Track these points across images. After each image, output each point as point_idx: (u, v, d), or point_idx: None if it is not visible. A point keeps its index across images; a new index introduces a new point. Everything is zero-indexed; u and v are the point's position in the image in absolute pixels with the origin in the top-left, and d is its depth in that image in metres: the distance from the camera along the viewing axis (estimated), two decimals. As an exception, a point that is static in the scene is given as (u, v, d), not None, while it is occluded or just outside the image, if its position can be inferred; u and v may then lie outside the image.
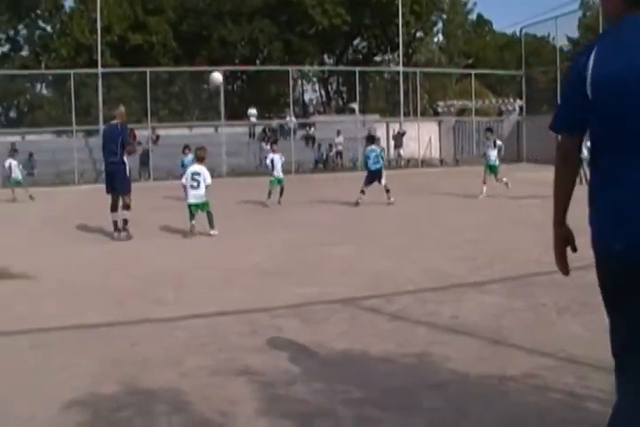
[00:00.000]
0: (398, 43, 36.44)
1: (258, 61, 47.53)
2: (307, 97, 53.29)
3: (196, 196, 11.12)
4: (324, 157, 33.44)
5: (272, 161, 16.32)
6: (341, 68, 46.72)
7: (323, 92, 54.15)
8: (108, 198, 11.26)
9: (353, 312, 5.90)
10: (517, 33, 42.20)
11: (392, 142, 34.02)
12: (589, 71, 2.36)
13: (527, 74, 35.14)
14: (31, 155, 30.19)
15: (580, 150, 2.57)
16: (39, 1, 44.84)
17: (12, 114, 43.43)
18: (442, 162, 34.58)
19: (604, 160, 2.39)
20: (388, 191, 15.29)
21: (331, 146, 33.23)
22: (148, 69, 31.18)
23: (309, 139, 34.28)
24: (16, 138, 31.76)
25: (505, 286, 6.75)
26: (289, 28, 45.89)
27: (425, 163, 33.17)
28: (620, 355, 2.43)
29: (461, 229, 10.91)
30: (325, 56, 52.45)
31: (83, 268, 8.62)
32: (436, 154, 35.71)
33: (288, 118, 34.17)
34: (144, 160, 27.82)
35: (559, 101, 2.57)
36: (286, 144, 27.73)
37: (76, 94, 29.87)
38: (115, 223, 11.13)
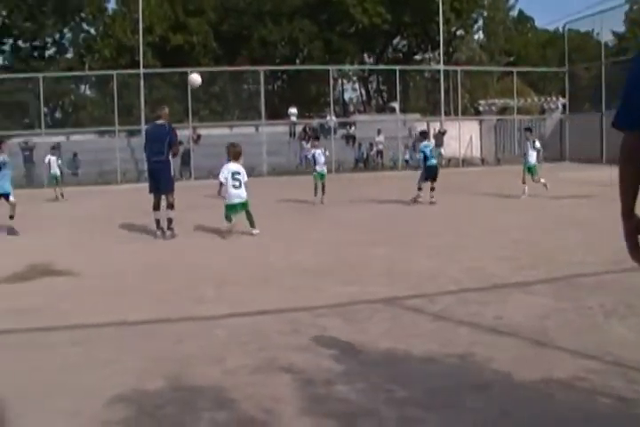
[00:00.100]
0: (439, 41, 36.19)
1: (298, 61, 47.64)
2: (347, 96, 53.35)
3: (239, 195, 11.06)
4: (365, 156, 33.39)
5: (314, 156, 16.36)
6: (381, 66, 46.54)
7: (363, 91, 54.10)
8: (151, 197, 11.38)
9: (395, 312, 5.87)
10: (560, 29, 41.71)
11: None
12: None
13: (570, 71, 34.63)
14: (75, 155, 30.69)
15: None
16: (83, 4, 45.61)
17: (58, 114, 44.22)
18: (483, 161, 34.29)
19: None
20: (432, 190, 15.16)
21: (371, 145, 33.17)
22: (189, 70, 31.33)
23: (350, 138, 34.26)
24: (61, 138, 32.29)
25: (549, 287, 6.64)
26: (329, 28, 45.89)
27: (466, 162, 32.90)
28: None
29: (504, 229, 10.78)
30: (365, 55, 52.32)
31: (125, 266, 8.72)
32: (476, 153, 35.41)
33: (328, 117, 34.19)
34: (185, 160, 28.07)
35: (622, 98, 2.52)
36: (326, 143, 27.73)
37: (118, 95, 30.28)
38: (157, 222, 11.23)
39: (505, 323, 5.32)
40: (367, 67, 50.03)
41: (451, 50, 46.90)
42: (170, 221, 11.10)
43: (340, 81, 49.11)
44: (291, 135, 34.05)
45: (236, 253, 9.50)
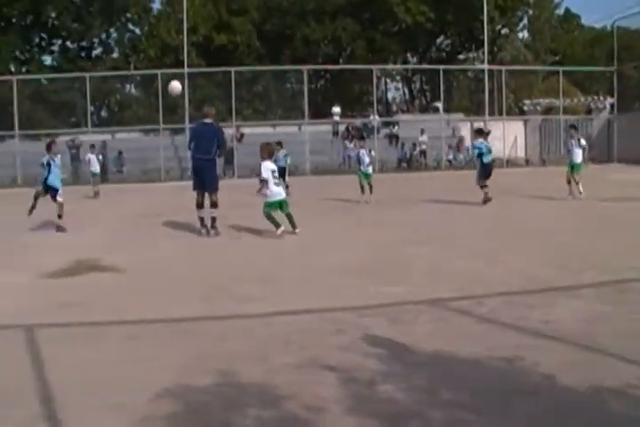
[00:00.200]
0: (483, 40, 35.84)
1: (341, 60, 47.63)
2: (390, 95, 53.22)
3: (280, 193, 11.05)
4: (408, 156, 33.25)
5: (358, 156, 16.39)
6: (425, 66, 46.28)
7: (406, 91, 53.85)
8: (194, 195, 11.45)
9: (440, 313, 5.81)
10: (608, 27, 40.93)
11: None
12: None
13: (619, 70, 33.98)
14: (120, 153, 31.16)
15: None
16: (129, 5, 46.26)
17: (104, 113, 44.91)
18: (527, 162, 33.87)
19: None
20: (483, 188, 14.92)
21: (414, 145, 33.02)
22: (232, 69, 31.66)
23: (393, 137, 34.17)
24: (106, 136, 32.81)
25: (597, 291, 6.51)
26: (372, 26, 45.82)
27: (510, 162, 32.54)
28: None
29: (550, 232, 10.60)
30: (408, 54, 52.10)
31: (169, 263, 8.82)
32: (521, 153, 35.00)
33: (371, 117, 34.16)
34: (229, 158, 28.26)
35: None
36: (369, 143, 27.65)
37: (162, 94, 30.57)
38: (201, 220, 11.31)
39: (552, 327, 5.21)
40: (410, 66, 49.81)
41: (495, 49, 46.40)
42: (213, 219, 11.16)
43: (383, 80, 48.96)
44: (334, 134, 34.08)
45: (280, 252, 9.53)
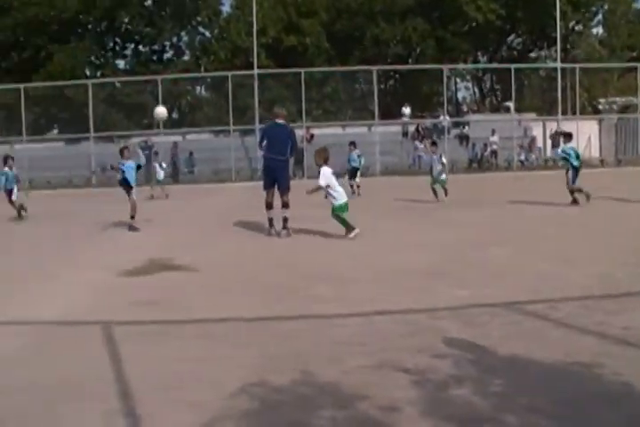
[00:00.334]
0: (555, 37, 35.07)
1: (410, 60, 47.36)
2: (460, 95, 52.62)
3: (345, 195, 11.04)
4: (479, 156, 32.82)
5: (430, 161, 16.34)
6: (495, 65, 45.58)
7: (476, 90, 53.19)
8: (264, 195, 11.51)
9: (515, 317, 5.69)
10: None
11: (549, 142, 32.85)
12: None
13: (701, 65, 32.80)
14: (191, 153, 31.70)
15: None
16: (199, 8, 47.06)
17: (175, 115, 45.71)
18: (602, 162, 32.98)
19: None
20: (574, 192, 14.54)
21: (485, 145, 32.57)
22: (302, 70, 31.82)
23: (463, 138, 33.81)
24: (177, 137, 33.41)
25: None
26: (442, 26, 45.39)
27: (584, 163, 31.67)
28: None
29: (631, 234, 10.24)
30: (479, 53, 51.44)
31: (241, 262, 8.92)
32: (595, 154, 34.12)
33: (441, 117, 33.86)
34: (299, 159, 28.38)
35: None
36: (440, 143, 27.42)
37: (233, 95, 31.01)
38: (270, 220, 11.38)
39: (634, 334, 5.02)
40: (481, 65, 49.17)
41: (568, 46, 45.35)
42: (285, 220, 11.20)
43: (453, 80, 48.44)
44: (403, 135, 33.91)
45: (350, 253, 9.48)
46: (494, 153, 32.40)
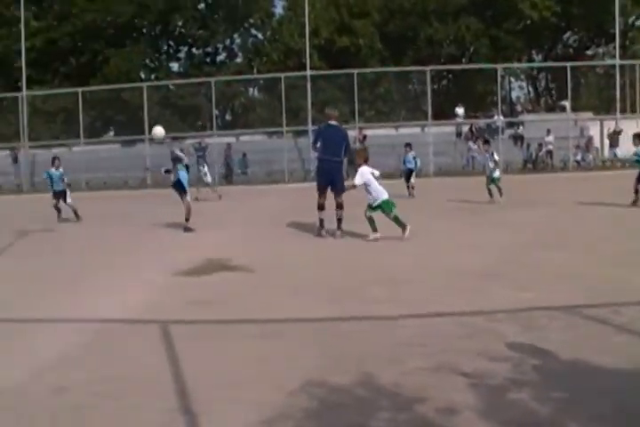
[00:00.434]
0: (613, 33, 34.24)
1: (464, 59, 46.91)
2: (514, 95, 51.84)
3: (384, 193, 10.91)
4: (534, 156, 32.30)
5: (484, 162, 16.26)
6: (551, 63, 44.77)
7: (531, 90, 52.40)
8: (316, 196, 11.51)
9: (575, 321, 5.59)
10: None
11: (606, 142, 32.14)
12: None
13: None
14: (244, 155, 31.92)
15: None
16: (252, 11, 47.46)
17: (228, 116, 46.14)
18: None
19: None
20: (637, 192, 14.09)
21: (540, 145, 32.01)
22: (355, 71, 31.79)
23: (518, 138, 33.34)
24: (231, 139, 33.69)
25: None
26: (495, 24, 44.82)
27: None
28: None
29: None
30: (533, 52, 50.66)
31: (296, 263, 8.97)
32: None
33: (495, 117, 33.43)
34: (352, 160, 28.32)
35: None
36: (494, 144, 27.12)
37: (285, 97, 31.14)
38: (321, 221, 11.40)
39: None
40: (536, 64, 48.31)
41: (627, 42, 44.26)
42: (339, 220, 11.21)
43: (507, 79, 47.78)
44: (457, 135, 33.61)
45: (405, 254, 9.44)
46: (549, 153, 31.82)
